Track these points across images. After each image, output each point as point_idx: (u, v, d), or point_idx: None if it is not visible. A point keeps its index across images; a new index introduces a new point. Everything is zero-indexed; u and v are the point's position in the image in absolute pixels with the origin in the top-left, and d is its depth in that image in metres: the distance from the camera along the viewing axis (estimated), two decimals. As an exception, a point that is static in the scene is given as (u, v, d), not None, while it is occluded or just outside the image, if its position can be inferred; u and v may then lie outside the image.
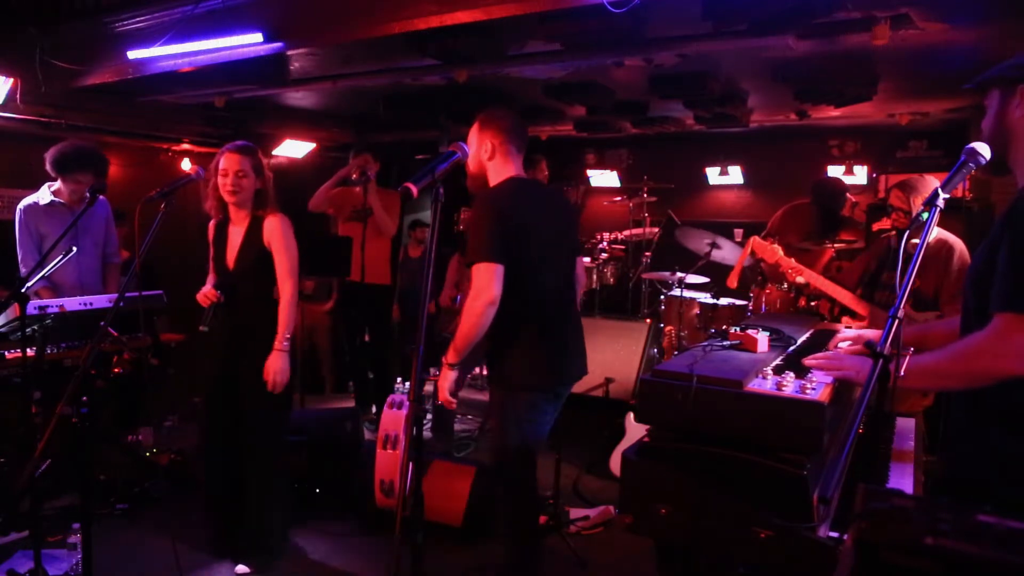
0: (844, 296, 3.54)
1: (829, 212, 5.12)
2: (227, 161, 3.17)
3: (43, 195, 4.00)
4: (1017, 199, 1.60)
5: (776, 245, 3.78)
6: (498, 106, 3.12)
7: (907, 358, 1.56)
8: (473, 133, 2.82)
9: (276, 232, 3.23)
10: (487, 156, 2.77)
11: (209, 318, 3.23)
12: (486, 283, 2.55)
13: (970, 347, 1.60)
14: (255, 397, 3.23)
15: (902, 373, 1.52)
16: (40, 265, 3.01)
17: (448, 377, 2.71)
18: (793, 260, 3.69)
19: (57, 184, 4.00)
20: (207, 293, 3.24)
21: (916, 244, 1.60)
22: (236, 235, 3.31)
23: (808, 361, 1.97)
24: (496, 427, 2.80)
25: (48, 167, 3.95)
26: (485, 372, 6.21)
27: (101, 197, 4.15)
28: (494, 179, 2.79)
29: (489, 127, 2.78)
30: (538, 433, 2.78)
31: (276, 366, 3.16)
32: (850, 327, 2.82)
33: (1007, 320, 1.53)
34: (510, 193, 2.72)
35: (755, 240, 3.83)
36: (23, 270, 3.95)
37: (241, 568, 3.27)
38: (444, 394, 2.73)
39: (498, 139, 2.76)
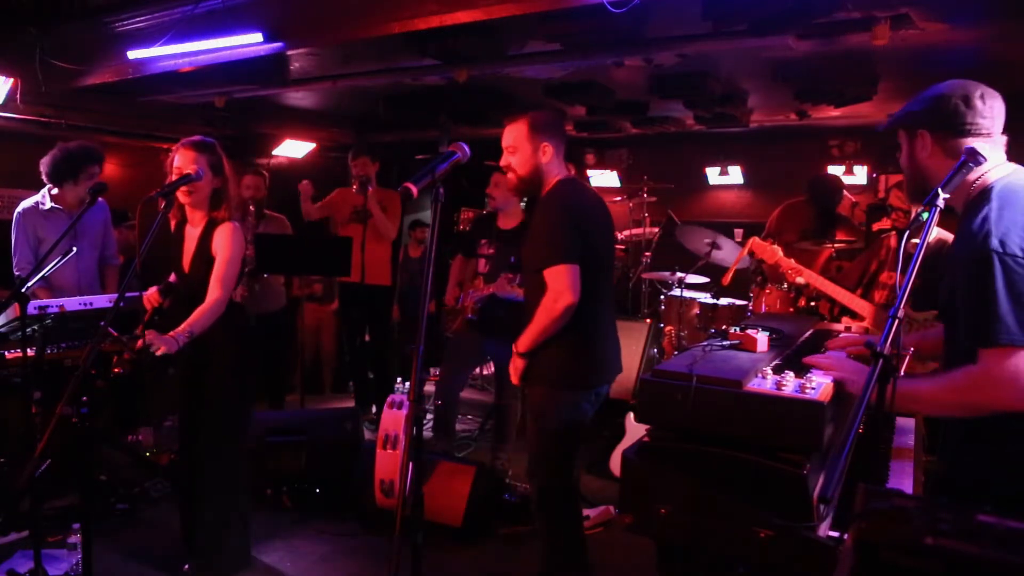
0: (844, 296, 3.54)
1: (825, 209, 5.12)
2: (181, 158, 2.96)
3: (43, 199, 3.99)
4: (966, 236, 1.66)
5: (776, 246, 3.78)
6: (547, 108, 3.12)
7: (906, 358, 1.57)
8: (522, 136, 2.75)
9: (222, 240, 3.04)
10: (545, 159, 2.75)
11: (145, 323, 3.04)
12: (566, 285, 2.57)
13: (965, 381, 1.62)
14: (211, 404, 3.14)
15: (901, 372, 1.52)
16: (40, 265, 3.01)
17: (518, 366, 2.77)
18: (793, 260, 3.69)
19: (56, 190, 3.99)
20: (150, 297, 3.07)
21: (916, 244, 1.61)
22: (192, 238, 3.14)
23: (809, 360, 1.97)
24: (536, 426, 2.78)
25: (46, 178, 3.93)
26: (487, 372, 6.24)
27: (101, 200, 4.17)
28: (549, 180, 2.78)
29: (544, 129, 2.75)
30: (578, 432, 2.79)
31: (161, 339, 2.82)
32: (850, 327, 2.82)
33: (990, 356, 1.57)
34: (576, 195, 2.74)
35: (755, 241, 3.83)
36: (17, 273, 3.94)
37: (185, 567, 3.18)
38: (516, 377, 2.80)
39: (555, 140, 2.76)
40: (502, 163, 2.84)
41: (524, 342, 2.71)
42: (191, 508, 3.23)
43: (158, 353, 2.82)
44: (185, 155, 2.96)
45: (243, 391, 3.25)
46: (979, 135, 1.72)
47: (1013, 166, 1.72)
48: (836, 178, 5.39)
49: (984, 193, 1.69)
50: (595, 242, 2.71)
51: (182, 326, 2.93)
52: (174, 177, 2.95)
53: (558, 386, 2.74)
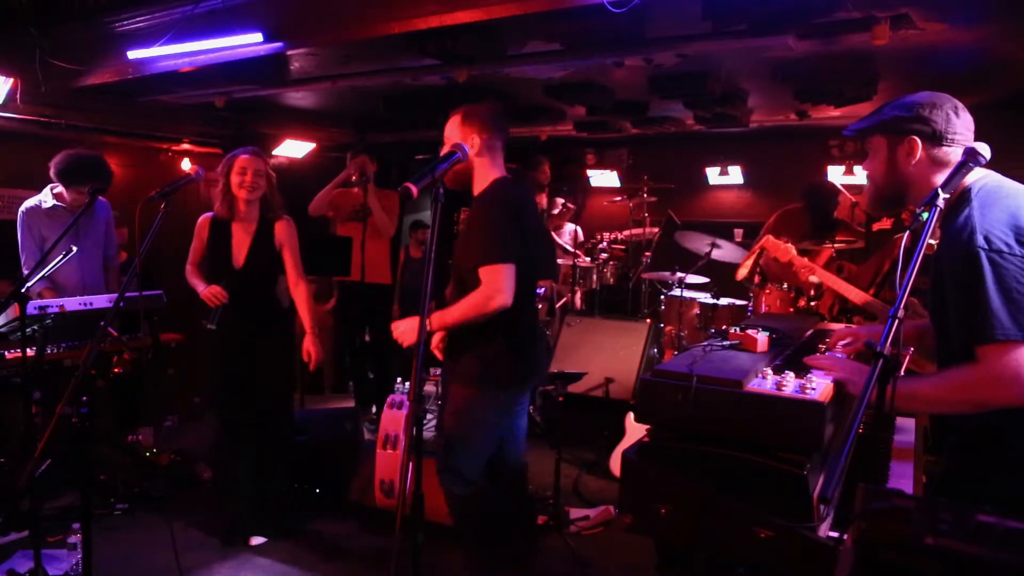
0: (857, 295, 3.53)
1: (823, 214, 5.13)
2: (247, 162, 3.37)
3: (45, 198, 4.01)
4: (950, 238, 1.69)
5: (790, 244, 3.79)
6: (484, 100, 3.04)
7: (905, 358, 1.57)
8: (455, 127, 2.72)
9: (289, 235, 3.49)
10: (472, 151, 2.67)
11: (217, 316, 3.37)
12: (502, 285, 2.51)
13: (966, 379, 1.63)
14: (271, 392, 3.51)
15: (901, 372, 1.52)
16: (40, 265, 3.01)
17: (438, 337, 2.75)
18: (806, 260, 3.70)
19: (59, 188, 4.00)
20: (216, 293, 3.36)
21: (928, 244, 1.61)
22: (242, 235, 3.43)
23: (809, 360, 1.97)
24: (462, 424, 2.70)
25: (53, 175, 3.97)
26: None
27: (102, 199, 4.19)
28: (485, 176, 2.72)
29: (473, 121, 2.69)
30: (499, 434, 2.77)
31: (315, 348, 3.50)
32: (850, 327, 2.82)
33: (988, 353, 1.58)
34: (514, 194, 2.70)
35: (768, 239, 3.85)
36: (26, 272, 3.95)
37: (257, 540, 3.54)
38: (407, 338, 2.59)
39: (485, 134, 2.68)
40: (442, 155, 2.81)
41: (439, 321, 2.60)
42: (253, 486, 3.55)
43: (319, 357, 3.51)
44: (251, 160, 3.38)
45: (293, 380, 3.74)
46: (961, 145, 1.76)
47: (985, 171, 1.76)
48: (832, 184, 5.42)
49: (964, 195, 1.72)
50: (532, 244, 2.68)
51: (309, 326, 3.51)
52: (248, 179, 3.34)
53: (490, 386, 2.67)
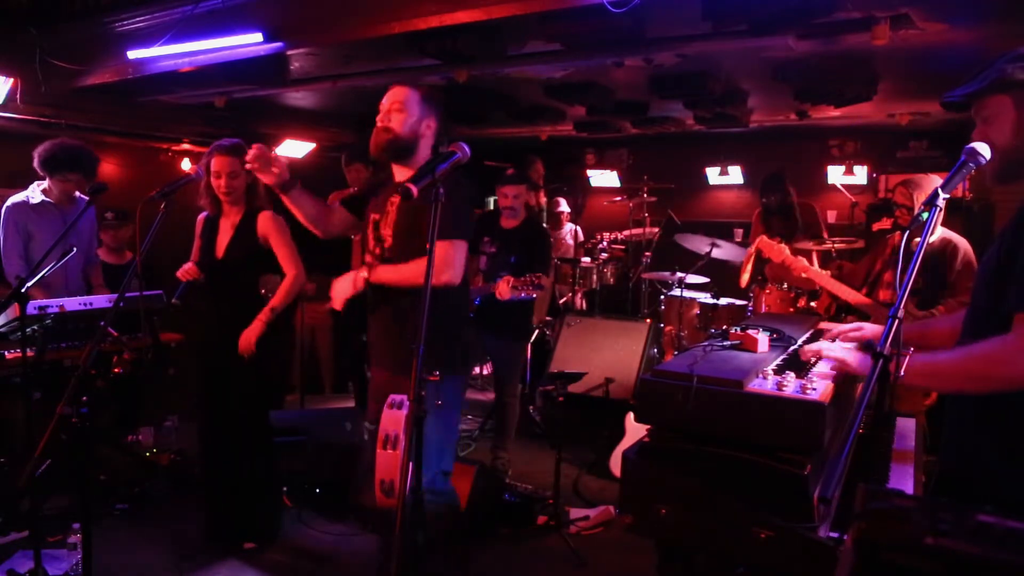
0: (850, 295, 3.53)
1: (779, 202, 5.36)
2: (218, 163, 3.29)
3: (33, 194, 3.96)
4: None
5: (783, 244, 3.79)
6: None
7: (907, 357, 1.56)
8: (415, 101, 2.61)
9: (271, 226, 3.38)
10: (423, 131, 2.62)
11: (181, 292, 3.38)
12: (460, 263, 2.52)
13: (991, 352, 1.55)
14: (243, 392, 3.39)
15: (902, 372, 1.52)
16: (40, 265, 3.01)
17: (356, 281, 2.57)
18: (800, 259, 3.70)
19: (46, 183, 3.97)
20: (187, 269, 3.36)
21: (918, 243, 1.60)
22: (226, 227, 3.42)
23: (810, 347, 1.97)
24: (442, 419, 2.68)
25: (36, 166, 3.91)
26: (486, 372, 6.24)
27: (83, 197, 4.12)
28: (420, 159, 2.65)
29: (434, 108, 2.64)
30: None
31: (251, 335, 3.28)
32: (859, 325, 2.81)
33: None
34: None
35: (762, 240, 3.85)
36: (6, 268, 3.91)
37: (249, 545, 3.47)
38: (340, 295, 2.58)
39: (437, 125, 2.65)
40: (380, 121, 2.63)
41: (381, 275, 2.56)
42: (226, 495, 3.47)
43: (249, 347, 3.27)
44: (221, 161, 3.27)
45: (269, 379, 3.57)
46: None
47: None
48: (780, 173, 5.62)
49: None
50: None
51: (267, 308, 3.33)
52: (222, 182, 3.28)
53: (460, 372, 2.72)
